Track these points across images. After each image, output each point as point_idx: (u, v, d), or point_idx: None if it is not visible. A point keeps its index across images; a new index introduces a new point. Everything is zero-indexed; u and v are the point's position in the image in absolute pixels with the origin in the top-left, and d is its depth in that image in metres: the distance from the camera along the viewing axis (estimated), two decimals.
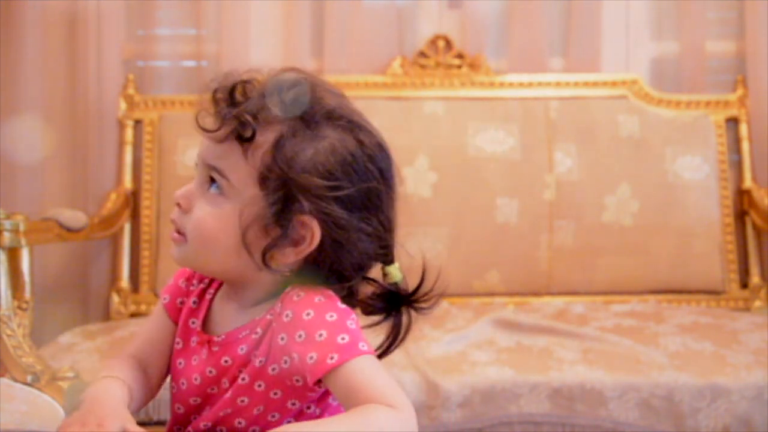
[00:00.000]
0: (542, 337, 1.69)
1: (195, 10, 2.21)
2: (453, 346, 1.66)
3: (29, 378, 1.40)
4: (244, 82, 0.75)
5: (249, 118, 0.72)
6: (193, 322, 0.85)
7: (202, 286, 0.87)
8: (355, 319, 0.77)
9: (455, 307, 1.95)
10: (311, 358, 0.72)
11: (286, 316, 0.75)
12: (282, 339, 0.75)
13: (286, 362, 0.76)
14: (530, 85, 2.17)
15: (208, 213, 0.76)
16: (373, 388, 0.71)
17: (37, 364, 1.43)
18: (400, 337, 0.82)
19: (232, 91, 0.74)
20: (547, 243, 2.06)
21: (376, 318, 0.83)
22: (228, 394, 0.80)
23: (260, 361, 0.78)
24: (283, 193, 0.73)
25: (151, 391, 0.87)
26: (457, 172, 2.08)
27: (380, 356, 0.81)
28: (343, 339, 0.73)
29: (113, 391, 0.80)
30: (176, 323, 0.87)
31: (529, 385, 1.55)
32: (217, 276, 0.83)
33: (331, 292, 0.78)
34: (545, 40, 2.20)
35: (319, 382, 0.75)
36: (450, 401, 1.54)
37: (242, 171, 0.74)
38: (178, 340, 0.85)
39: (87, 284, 2.12)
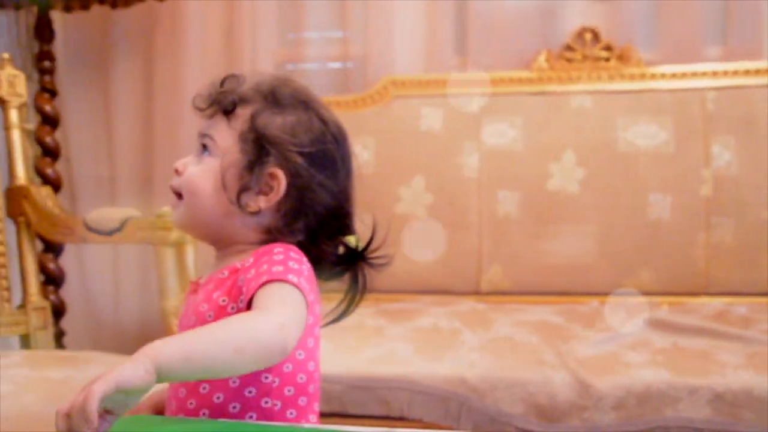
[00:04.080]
0: (701, 339, 1.61)
1: (341, 13, 2.26)
2: (605, 347, 1.62)
3: None
4: (231, 76, 0.92)
5: (226, 96, 0.90)
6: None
7: None
8: (300, 267, 0.82)
9: (606, 306, 1.90)
10: (251, 286, 0.80)
11: (248, 261, 0.84)
12: (241, 280, 0.83)
13: (241, 301, 0.82)
14: (684, 75, 2.07)
15: (197, 169, 0.90)
16: (265, 301, 0.77)
17: None
18: (358, 295, 0.91)
19: (222, 82, 0.92)
20: (703, 241, 1.96)
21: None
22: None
23: (223, 300, 0.85)
24: (257, 146, 0.88)
25: None
26: (607, 168, 2.03)
27: (341, 316, 0.91)
28: (277, 268, 0.80)
29: None
30: None
31: (688, 388, 1.48)
32: (205, 232, 0.92)
33: (295, 248, 0.86)
34: (701, 28, 2.10)
35: None
36: (603, 402, 1.50)
37: (226, 134, 0.89)
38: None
39: None
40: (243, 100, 0.90)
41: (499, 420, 1.53)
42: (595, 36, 2.14)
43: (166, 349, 0.69)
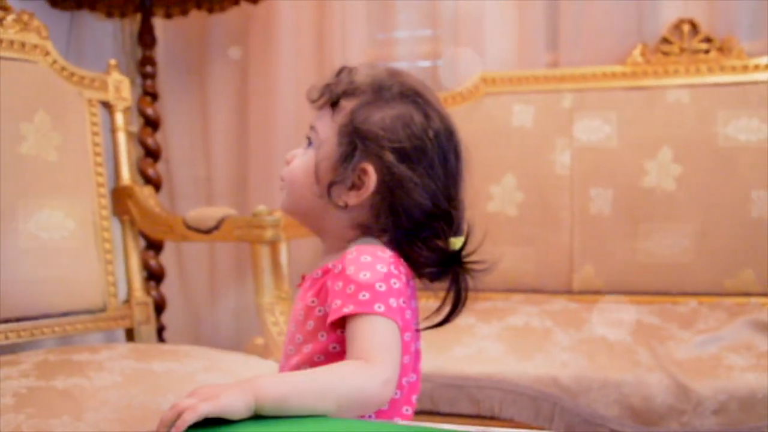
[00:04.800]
0: None
1: (431, 11, 2.27)
2: (705, 349, 1.57)
3: None
4: (345, 68, 0.93)
5: (335, 88, 0.90)
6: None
7: None
8: (388, 283, 0.82)
9: (705, 306, 1.84)
10: (336, 303, 0.81)
11: (337, 267, 0.85)
12: (329, 284, 0.85)
13: (329, 307, 0.84)
14: None
15: (300, 160, 0.93)
16: (362, 343, 0.78)
17: None
18: (461, 300, 0.89)
19: (337, 74, 0.92)
20: None
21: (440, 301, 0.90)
22: (292, 327, 0.90)
23: (312, 301, 0.87)
24: (351, 140, 0.88)
25: None
26: (705, 164, 1.96)
27: (444, 322, 0.89)
28: (363, 296, 0.80)
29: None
30: None
31: None
32: (304, 220, 0.95)
33: (385, 254, 0.84)
34: None
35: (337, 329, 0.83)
36: (703, 406, 1.45)
37: (328, 126, 0.90)
38: None
39: None
40: (348, 93, 0.90)
41: (592, 422, 1.50)
42: (694, 28, 2.07)
43: (270, 392, 0.73)
